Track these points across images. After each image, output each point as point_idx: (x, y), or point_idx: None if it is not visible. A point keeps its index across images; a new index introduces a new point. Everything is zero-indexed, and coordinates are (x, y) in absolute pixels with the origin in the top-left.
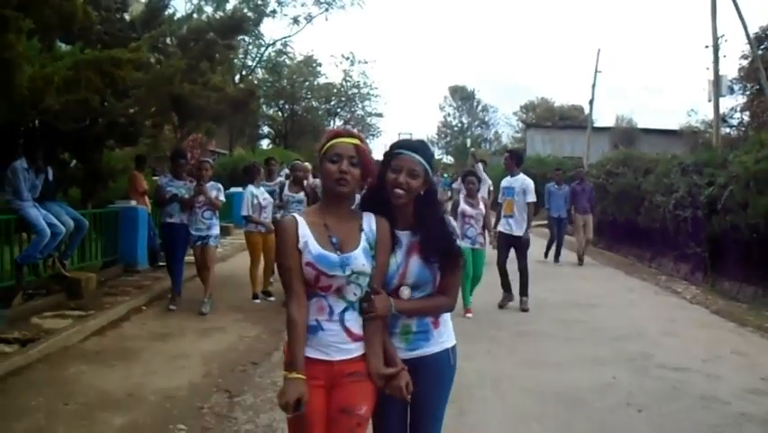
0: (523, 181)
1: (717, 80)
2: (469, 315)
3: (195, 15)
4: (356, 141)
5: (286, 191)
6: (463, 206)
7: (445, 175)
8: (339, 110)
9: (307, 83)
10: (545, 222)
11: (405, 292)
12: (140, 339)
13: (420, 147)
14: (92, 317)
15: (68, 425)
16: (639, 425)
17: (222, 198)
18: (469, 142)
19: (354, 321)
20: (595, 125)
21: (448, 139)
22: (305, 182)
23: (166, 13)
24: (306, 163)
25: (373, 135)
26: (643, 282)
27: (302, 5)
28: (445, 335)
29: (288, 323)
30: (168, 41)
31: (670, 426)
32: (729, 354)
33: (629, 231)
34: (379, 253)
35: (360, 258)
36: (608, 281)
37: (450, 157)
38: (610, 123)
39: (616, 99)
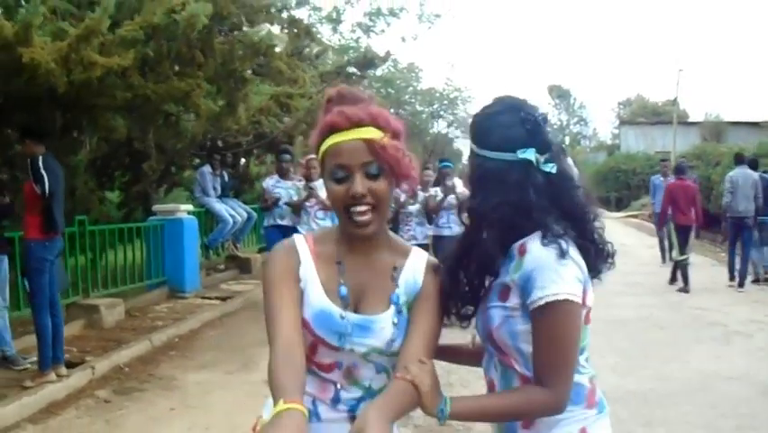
0: None
1: None
2: None
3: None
4: (368, 131)
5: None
6: None
7: None
8: (442, 113)
9: (411, 88)
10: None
11: (473, 338)
12: None
13: None
14: None
15: None
16: (656, 334)
17: None
18: (567, 139)
19: None
20: (687, 120)
21: None
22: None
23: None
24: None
25: None
26: (704, 258)
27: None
28: None
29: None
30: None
31: (676, 333)
32: (751, 302)
33: (703, 218)
34: (422, 314)
35: (386, 327)
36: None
37: None
38: (702, 117)
39: (708, 92)
